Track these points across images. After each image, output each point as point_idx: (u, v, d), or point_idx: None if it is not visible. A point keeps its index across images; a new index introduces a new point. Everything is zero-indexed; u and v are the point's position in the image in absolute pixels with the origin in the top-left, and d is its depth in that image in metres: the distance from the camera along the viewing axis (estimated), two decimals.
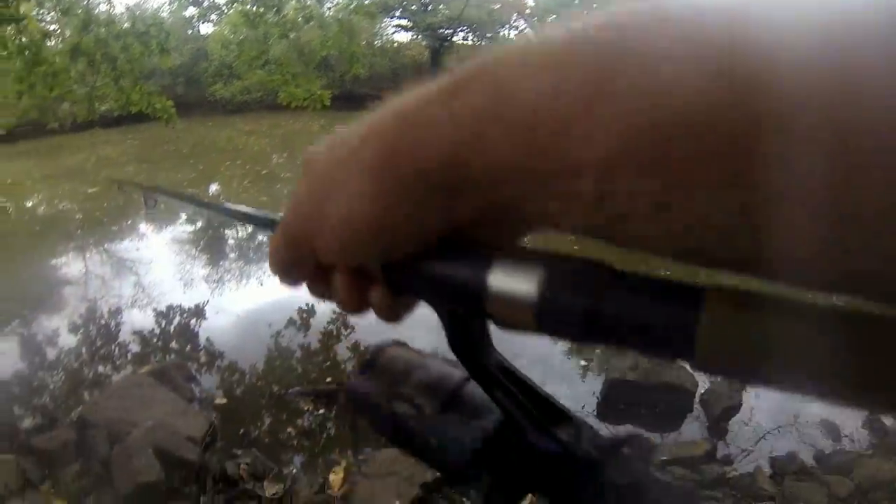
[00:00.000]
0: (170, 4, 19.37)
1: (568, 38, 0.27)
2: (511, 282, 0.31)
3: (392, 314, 0.41)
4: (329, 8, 10.14)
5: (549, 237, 0.34)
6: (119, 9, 8.67)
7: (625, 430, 5.00)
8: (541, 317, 0.30)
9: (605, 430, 4.96)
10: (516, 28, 38.57)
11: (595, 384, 5.57)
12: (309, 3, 8.74)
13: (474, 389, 0.43)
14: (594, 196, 0.26)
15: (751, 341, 0.25)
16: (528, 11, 37.21)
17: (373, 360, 0.49)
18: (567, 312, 0.29)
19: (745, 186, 0.22)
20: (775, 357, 0.25)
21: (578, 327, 0.29)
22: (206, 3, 14.49)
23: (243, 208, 0.66)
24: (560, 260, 0.31)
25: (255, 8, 7.93)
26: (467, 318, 0.37)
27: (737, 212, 0.23)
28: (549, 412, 0.41)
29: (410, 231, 0.33)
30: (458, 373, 0.45)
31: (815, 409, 5.69)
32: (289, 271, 0.42)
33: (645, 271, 0.30)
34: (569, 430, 0.40)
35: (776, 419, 5.40)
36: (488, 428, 0.41)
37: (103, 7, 8.21)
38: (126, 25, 7.95)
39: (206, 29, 27.57)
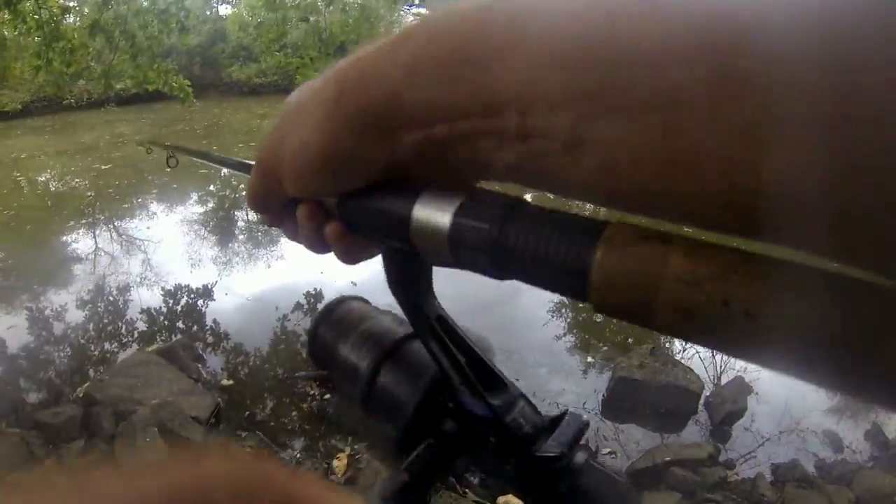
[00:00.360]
0: None
1: None
2: (431, 212, 0.32)
3: (348, 252, 0.42)
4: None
5: None
6: None
7: (627, 428, 5.07)
8: (453, 246, 0.31)
9: (608, 427, 4.96)
10: None
11: (598, 382, 5.54)
12: None
13: (418, 347, 0.45)
14: (517, 133, 0.27)
15: (644, 279, 0.23)
16: None
17: (331, 309, 0.52)
18: (474, 241, 0.30)
19: (660, 110, 0.23)
20: (669, 301, 0.23)
21: (485, 257, 0.30)
22: None
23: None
24: (479, 192, 0.32)
25: None
26: (404, 255, 0.39)
27: (649, 138, 0.23)
28: (485, 376, 0.42)
29: (356, 163, 0.35)
30: (404, 329, 0.47)
31: (818, 418, 5.67)
32: (261, 205, 0.44)
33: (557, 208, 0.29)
34: (503, 397, 0.42)
35: (779, 425, 5.39)
36: (422, 386, 0.43)
37: None
38: (146, 3, 7.95)
39: (224, 10, 27.73)
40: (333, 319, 0.51)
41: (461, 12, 0.30)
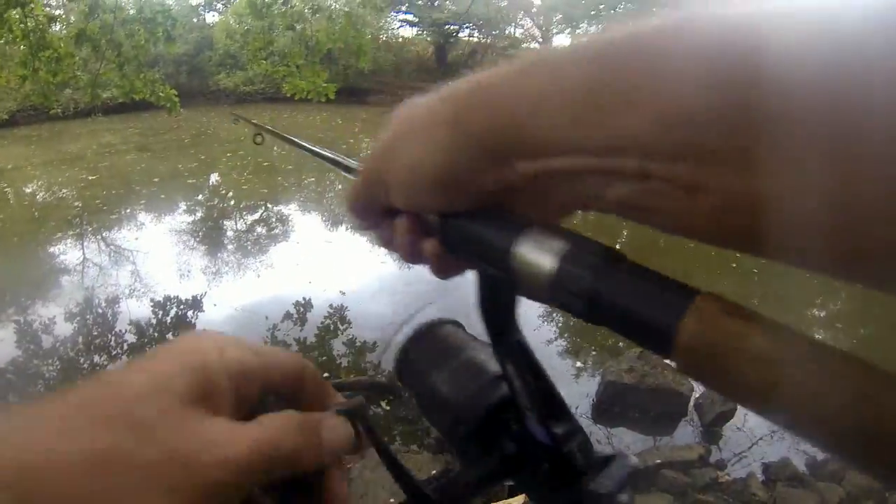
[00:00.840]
0: None
1: (608, 39, 0.31)
2: (535, 251, 0.34)
3: (442, 269, 0.45)
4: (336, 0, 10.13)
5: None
6: None
7: (617, 431, 5.07)
8: (553, 288, 0.33)
9: (598, 431, 4.96)
10: (522, 26, 38.62)
11: (589, 386, 5.55)
12: None
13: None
14: (636, 174, 0.30)
15: (725, 354, 0.26)
16: (534, 10, 37.23)
17: (426, 331, 0.53)
18: (574, 288, 0.32)
19: (754, 173, 0.26)
20: (746, 377, 0.25)
21: (582, 304, 0.31)
22: None
23: (330, 153, 0.76)
24: (581, 240, 0.33)
25: None
26: (497, 282, 0.40)
27: (750, 194, 0.26)
28: (551, 404, 0.44)
29: (466, 186, 0.37)
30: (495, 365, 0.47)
31: None
32: (361, 212, 0.46)
33: (653, 267, 0.32)
34: (565, 427, 0.43)
35: (769, 425, 5.39)
36: (492, 401, 0.45)
37: None
38: (132, 12, 7.91)
39: (211, 18, 27.64)
40: (428, 343, 0.53)
41: (590, 52, 0.32)
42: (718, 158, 0.27)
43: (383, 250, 6.10)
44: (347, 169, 0.64)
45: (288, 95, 8.60)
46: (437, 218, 0.41)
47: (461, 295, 7.74)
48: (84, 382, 0.33)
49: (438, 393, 0.48)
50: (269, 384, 0.38)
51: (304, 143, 0.85)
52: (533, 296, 0.37)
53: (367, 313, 6.35)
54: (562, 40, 36.90)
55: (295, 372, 0.40)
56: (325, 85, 8.25)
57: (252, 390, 0.37)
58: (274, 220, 9.77)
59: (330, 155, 0.74)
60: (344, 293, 6.59)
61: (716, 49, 0.26)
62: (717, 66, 0.26)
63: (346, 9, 9.44)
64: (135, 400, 0.31)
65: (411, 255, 0.45)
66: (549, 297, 0.34)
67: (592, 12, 31.31)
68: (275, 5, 8.00)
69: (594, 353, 6.25)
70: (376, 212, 0.45)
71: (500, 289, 0.41)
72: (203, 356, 0.35)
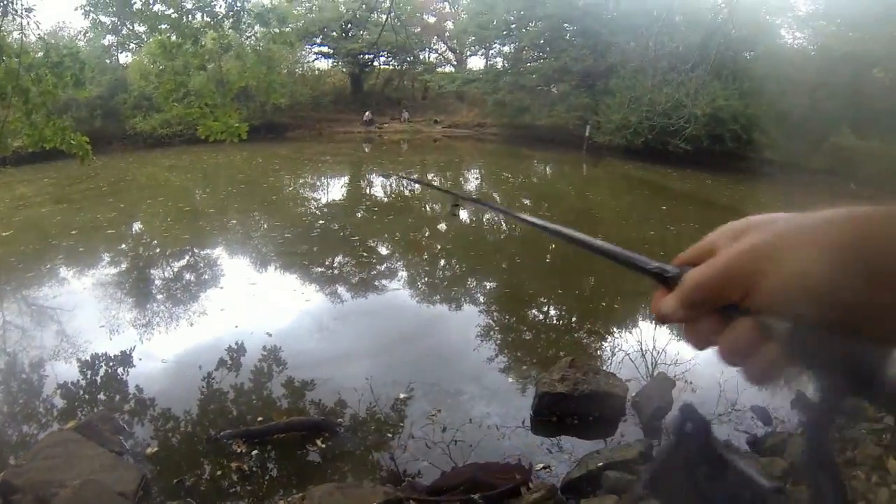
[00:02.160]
0: (87, 33, 18.56)
1: None
2: None
3: (770, 373, 0.45)
4: (249, 37, 10.09)
5: None
6: (33, 38, 8.36)
7: (557, 441, 5.18)
8: None
9: (539, 442, 5.10)
10: (436, 51, 39.20)
11: (523, 400, 5.68)
12: (229, 32, 8.61)
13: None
14: None
15: None
16: (447, 34, 37.85)
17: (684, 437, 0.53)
18: None
19: None
20: None
21: None
22: (124, 32, 14.09)
23: (622, 251, 0.56)
24: None
25: (172, 37, 7.75)
26: (846, 390, 0.41)
27: None
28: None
29: (852, 307, 0.39)
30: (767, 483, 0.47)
31: (745, 398, 5.96)
32: (697, 304, 0.47)
33: None
34: None
35: (709, 411, 5.62)
36: None
37: (16, 35, 7.92)
38: (39, 55, 7.68)
39: (125, 58, 26.79)
40: (690, 449, 0.52)
41: None
42: None
43: (306, 287, 6.12)
44: (643, 269, 0.54)
45: (202, 138, 8.49)
46: (788, 325, 0.42)
47: (393, 314, 7.85)
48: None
49: None
50: None
51: (551, 226, 0.63)
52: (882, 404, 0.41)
53: (299, 351, 6.39)
54: (476, 62, 37.56)
55: None
56: (237, 125, 8.18)
57: None
58: (199, 265, 9.70)
59: (621, 252, 0.55)
60: (271, 334, 6.62)
61: None
62: None
63: (257, 46, 9.36)
64: None
65: (739, 356, 0.46)
66: None
67: (504, 32, 32.00)
68: (185, 45, 7.89)
69: (524, 367, 6.43)
70: (709, 307, 0.47)
71: (839, 397, 0.42)
72: None
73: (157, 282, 8.88)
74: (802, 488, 4.13)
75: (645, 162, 24.18)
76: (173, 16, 7.39)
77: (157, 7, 7.40)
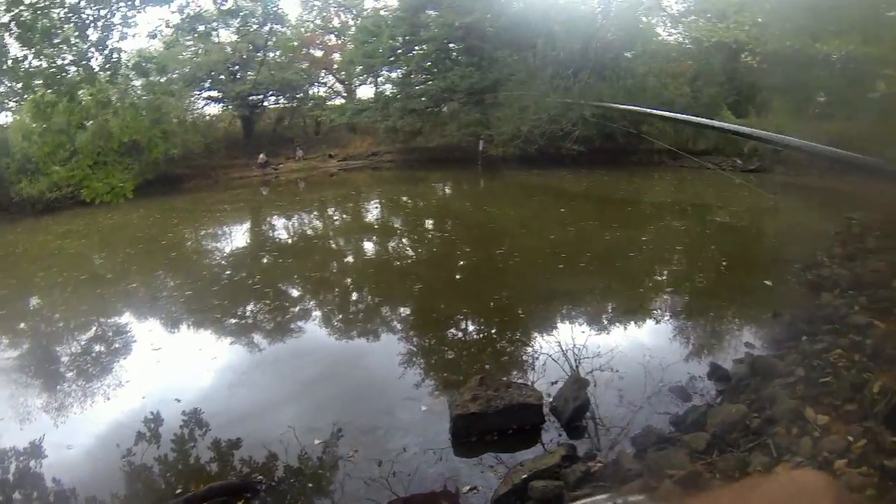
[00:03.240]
0: None
1: None
2: None
3: None
4: (128, 90, 9.62)
5: None
6: None
7: (480, 460, 5.09)
8: None
9: (462, 465, 5.01)
10: (325, 84, 38.92)
11: (439, 425, 5.57)
12: (106, 86, 8.09)
13: None
14: None
15: None
16: (335, 66, 37.73)
17: None
18: None
19: None
20: None
21: None
22: (2, 90, 13.11)
23: None
24: None
25: (47, 95, 7.21)
26: None
27: None
28: None
29: None
30: None
31: (669, 376, 6.12)
32: None
33: None
34: None
35: (626, 403, 5.74)
36: None
37: None
38: None
39: (4, 118, 24.76)
40: None
41: None
42: None
43: (216, 343, 5.86)
44: None
45: (88, 200, 7.91)
46: None
47: (302, 361, 7.56)
48: None
49: None
50: None
51: None
52: None
53: (215, 412, 6.09)
54: (365, 91, 37.69)
55: None
56: (122, 185, 7.69)
57: None
58: (102, 336, 9.15)
59: None
60: (180, 400, 6.32)
61: None
62: None
63: (139, 98, 8.91)
64: None
65: None
66: None
67: (391, 58, 32.22)
68: (60, 104, 7.35)
69: (436, 393, 6.35)
70: None
71: None
72: None
73: (62, 359, 8.30)
74: (729, 458, 4.30)
75: (541, 168, 24.93)
76: (48, 71, 6.91)
77: (31, 62, 6.89)
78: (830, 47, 9.14)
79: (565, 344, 6.89)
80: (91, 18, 7.15)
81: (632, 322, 8.29)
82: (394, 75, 33.78)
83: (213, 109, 34.59)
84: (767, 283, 9.90)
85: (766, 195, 17.67)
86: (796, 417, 4.59)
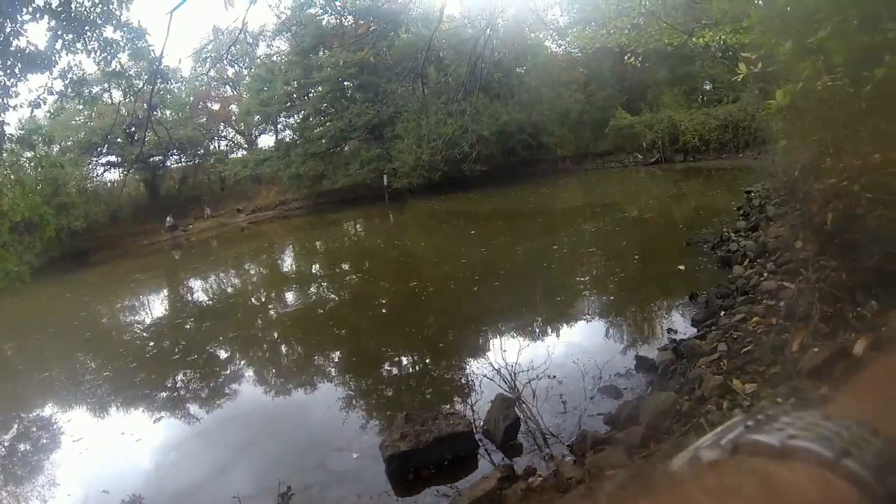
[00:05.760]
0: None
1: None
2: None
3: None
4: (17, 163, 9.14)
5: None
6: None
7: (422, 495, 5.07)
8: None
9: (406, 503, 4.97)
10: (225, 137, 38.25)
11: (374, 470, 5.47)
12: None
13: None
14: None
15: None
16: (233, 118, 37.15)
17: None
18: None
19: None
20: None
21: None
22: None
23: None
24: None
25: None
26: None
27: None
28: None
29: None
30: None
31: (590, 383, 6.21)
32: None
33: None
34: None
35: (552, 411, 5.79)
36: None
37: None
38: None
39: None
40: None
41: None
42: None
43: (144, 421, 5.62)
44: None
45: None
46: None
47: (224, 431, 7.27)
48: None
49: None
50: None
51: None
52: None
53: (149, 497, 5.82)
54: (266, 140, 37.26)
55: None
56: (16, 269, 7.25)
57: None
58: (15, 437, 8.49)
59: None
60: (108, 492, 5.97)
61: None
62: None
63: (19, 176, 8.40)
64: None
65: None
66: None
67: (287, 104, 32.05)
68: None
69: (365, 437, 6.28)
70: None
71: None
72: None
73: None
74: (665, 446, 4.38)
75: (447, 194, 25.23)
76: None
77: None
78: (706, 39, 9.67)
79: (496, 362, 6.90)
80: None
81: (559, 328, 8.45)
82: (292, 121, 33.75)
83: (114, 175, 33.43)
84: (681, 267, 10.28)
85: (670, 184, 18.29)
86: (725, 392, 4.75)
